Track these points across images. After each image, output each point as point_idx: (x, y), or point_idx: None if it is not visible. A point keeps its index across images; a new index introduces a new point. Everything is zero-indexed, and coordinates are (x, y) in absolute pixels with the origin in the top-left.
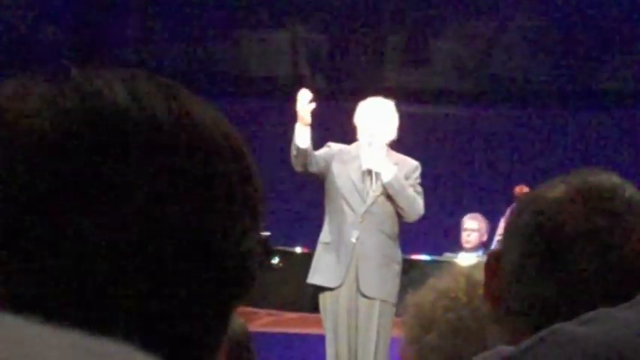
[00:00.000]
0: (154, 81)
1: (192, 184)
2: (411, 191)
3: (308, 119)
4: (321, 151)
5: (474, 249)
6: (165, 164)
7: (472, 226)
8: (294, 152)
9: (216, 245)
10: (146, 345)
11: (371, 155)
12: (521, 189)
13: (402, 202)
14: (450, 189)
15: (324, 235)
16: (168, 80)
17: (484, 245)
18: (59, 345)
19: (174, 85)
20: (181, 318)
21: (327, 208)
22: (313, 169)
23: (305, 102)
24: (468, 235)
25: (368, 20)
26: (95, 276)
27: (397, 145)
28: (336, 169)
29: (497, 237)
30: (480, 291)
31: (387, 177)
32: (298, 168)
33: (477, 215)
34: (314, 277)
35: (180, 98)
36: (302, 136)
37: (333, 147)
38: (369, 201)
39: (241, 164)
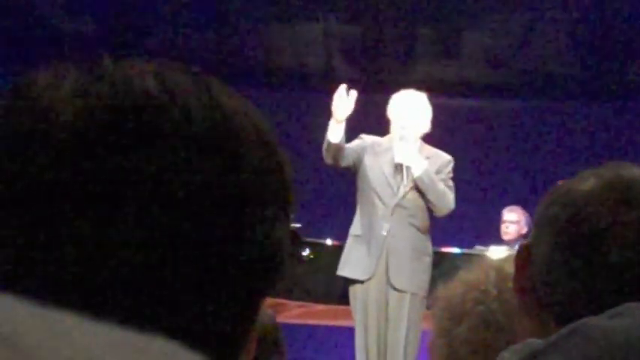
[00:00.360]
0: (186, 72)
1: (223, 174)
2: (441, 186)
3: (341, 116)
4: (354, 144)
5: (513, 241)
6: (196, 155)
7: (511, 219)
8: (325, 146)
9: (247, 235)
10: (176, 338)
11: (402, 149)
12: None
13: (432, 197)
14: (481, 182)
15: (355, 228)
16: (200, 71)
17: (524, 237)
18: (111, 343)
19: (206, 77)
20: (211, 310)
21: (359, 200)
22: (344, 163)
23: (340, 99)
24: (507, 227)
25: (400, 12)
26: (125, 268)
27: (430, 138)
28: (368, 161)
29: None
30: (510, 284)
31: (417, 171)
32: (329, 161)
33: (517, 208)
34: (344, 270)
35: (212, 90)
36: (335, 131)
37: (365, 139)
38: (400, 194)
39: (272, 155)
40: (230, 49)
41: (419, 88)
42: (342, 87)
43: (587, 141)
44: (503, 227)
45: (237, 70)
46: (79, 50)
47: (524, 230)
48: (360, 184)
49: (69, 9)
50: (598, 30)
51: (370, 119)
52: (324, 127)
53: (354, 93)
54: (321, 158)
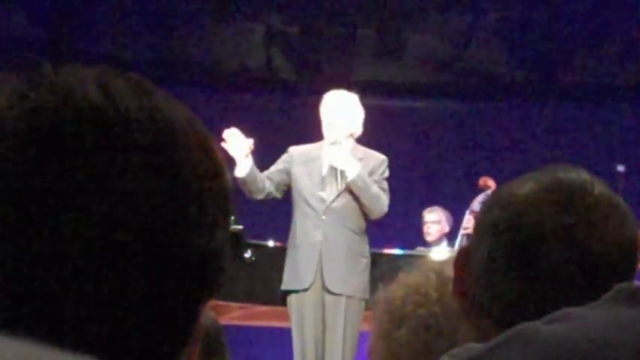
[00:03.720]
0: (125, 77)
1: (163, 180)
2: (375, 189)
3: (237, 156)
4: (276, 166)
5: (437, 241)
6: (136, 161)
7: (432, 219)
8: (236, 179)
9: (186, 240)
10: (117, 345)
11: (335, 152)
12: (485, 181)
13: (365, 201)
14: (422, 183)
15: (292, 239)
16: (137, 76)
17: (447, 237)
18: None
19: (144, 82)
20: (151, 315)
21: (294, 211)
22: (260, 195)
23: (231, 139)
24: (428, 228)
25: (342, 13)
26: (61, 276)
27: (369, 140)
28: (296, 173)
29: (462, 230)
30: (451, 287)
31: (351, 174)
32: (248, 195)
33: (436, 208)
34: (287, 284)
35: (152, 96)
36: (239, 166)
37: (292, 152)
38: (329, 199)
39: (211, 161)
40: (172, 49)
41: (360, 89)
42: (233, 129)
43: (528, 142)
44: (425, 228)
45: (179, 70)
46: (18, 55)
47: (447, 229)
48: (292, 195)
49: (7, 12)
50: (538, 31)
51: (311, 121)
52: (265, 127)
53: (250, 140)
54: (263, 159)
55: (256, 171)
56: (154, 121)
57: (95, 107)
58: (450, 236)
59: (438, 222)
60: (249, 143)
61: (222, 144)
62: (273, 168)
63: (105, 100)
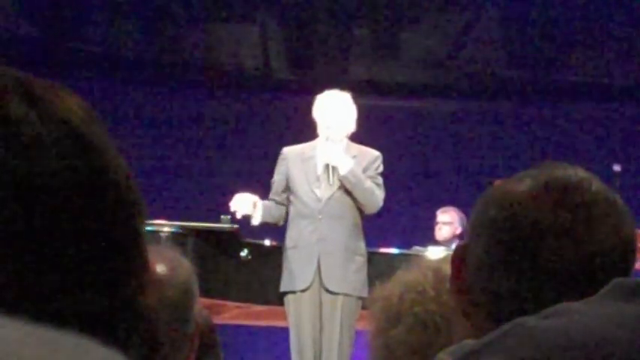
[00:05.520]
0: (5, 74)
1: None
2: (368, 184)
3: (250, 211)
4: (276, 174)
5: (448, 242)
6: (22, 164)
7: (444, 220)
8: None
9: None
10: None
11: (328, 149)
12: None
13: (358, 195)
14: (419, 182)
15: (288, 240)
16: (21, 73)
17: (459, 238)
18: (27, 340)
19: (28, 77)
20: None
21: (290, 212)
22: (280, 222)
23: (240, 207)
24: (440, 229)
25: (337, 13)
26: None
27: (365, 139)
28: (292, 173)
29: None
30: (447, 285)
31: (343, 170)
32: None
33: (450, 208)
34: (286, 286)
35: (35, 90)
36: (253, 218)
37: (286, 153)
38: (325, 196)
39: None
40: (167, 49)
41: (356, 88)
42: (236, 197)
43: (523, 142)
44: (437, 228)
45: (174, 70)
46: (13, 52)
47: (459, 231)
48: (289, 195)
49: (3, 10)
50: (534, 31)
51: (307, 120)
52: (261, 127)
53: (254, 198)
54: (260, 157)
55: (267, 210)
56: (42, 119)
57: None
58: (461, 238)
59: (450, 223)
60: (253, 200)
61: (231, 209)
62: (274, 186)
63: None
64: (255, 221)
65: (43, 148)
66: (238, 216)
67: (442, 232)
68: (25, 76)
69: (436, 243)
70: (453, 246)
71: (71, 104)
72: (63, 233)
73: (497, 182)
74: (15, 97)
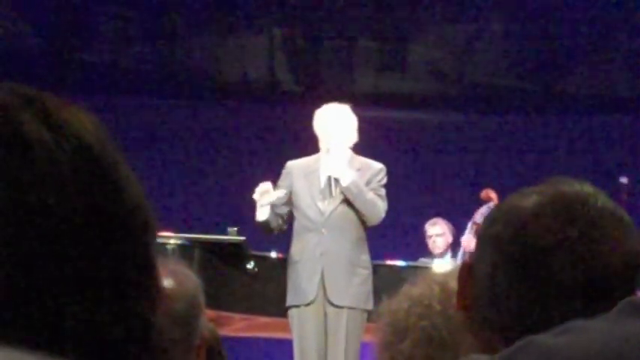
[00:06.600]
0: (19, 92)
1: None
2: (370, 195)
3: (266, 202)
4: (281, 187)
5: (444, 253)
6: (36, 181)
7: (436, 232)
8: (258, 223)
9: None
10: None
11: (330, 162)
12: (488, 193)
13: (360, 207)
14: (423, 194)
15: (292, 254)
16: (35, 90)
17: (451, 248)
18: None
19: (41, 95)
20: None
21: (294, 226)
22: (286, 225)
23: (264, 190)
24: (434, 242)
25: (344, 24)
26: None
27: (371, 151)
28: (296, 188)
29: (463, 242)
30: (454, 299)
31: (345, 182)
32: (270, 233)
33: (438, 219)
34: (291, 301)
35: (49, 109)
36: (259, 212)
37: (290, 167)
38: (328, 210)
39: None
40: (174, 60)
41: (362, 101)
42: (264, 185)
43: (530, 153)
44: (430, 242)
45: (182, 82)
46: (20, 65)
47: (450, 240)
48: (293, 210)
49: (12, 23)
50: (540, 43)
51: (313, 132)
52: (267, 139)
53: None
54: (264, 169)
55: (275, 213)
56: (57, 137)
57: None
58: (454, 247)
59: (443, 234)
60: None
61: (254, 196)
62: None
63: None
64: (262, 216)
65: (57, 170)
66: (260, 202)
67: (437, 244)
68: (38, 93)
69: (432, 256)
70: (447, 257)
71: (85, 123)
72: (76, 256)
73: (485, 191)
74: (28, 116)
